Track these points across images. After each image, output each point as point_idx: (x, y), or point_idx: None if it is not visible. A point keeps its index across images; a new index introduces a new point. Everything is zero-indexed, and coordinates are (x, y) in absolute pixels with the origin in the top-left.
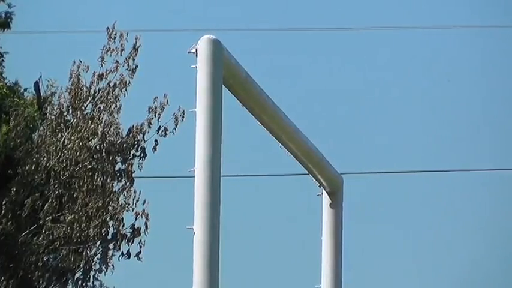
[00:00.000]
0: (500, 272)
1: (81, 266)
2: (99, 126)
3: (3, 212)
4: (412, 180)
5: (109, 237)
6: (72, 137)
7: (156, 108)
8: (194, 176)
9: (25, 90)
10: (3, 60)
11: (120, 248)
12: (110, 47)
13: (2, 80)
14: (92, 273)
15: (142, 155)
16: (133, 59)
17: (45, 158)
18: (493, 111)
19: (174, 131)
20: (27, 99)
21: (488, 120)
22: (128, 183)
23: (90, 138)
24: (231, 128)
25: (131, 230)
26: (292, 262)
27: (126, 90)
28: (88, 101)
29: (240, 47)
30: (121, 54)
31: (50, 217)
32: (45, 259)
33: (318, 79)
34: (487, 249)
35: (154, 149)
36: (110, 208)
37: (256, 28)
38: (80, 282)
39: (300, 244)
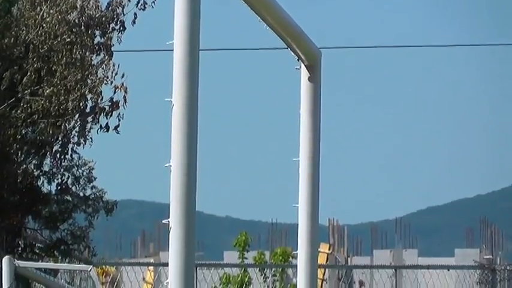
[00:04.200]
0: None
1: (60, 139)
2: None
3: None
4: (389, 55)
5: (87, 110)
6: (51, 11)
7: None
8: (173, 49)
9: None
10: None
11: (98, 121)
12: None
13: None
14: (70, 146)
15: (121, 28)
16: None
17: (24, 32)
18: None
19: (153, 4)
20: None
21: None
22: (106, 57)
23: (69, 11)
24: (210, 2)
25: (110, 104)
26: (271, 135)
27: None
28: None
29: None
30: None
31: (29, 90)
32: (23, 132)
33: None
34: (464, 120)
35: (134, 22)
36: (89, 81)
37: None
38: (58, 155)
39: (278, 118)
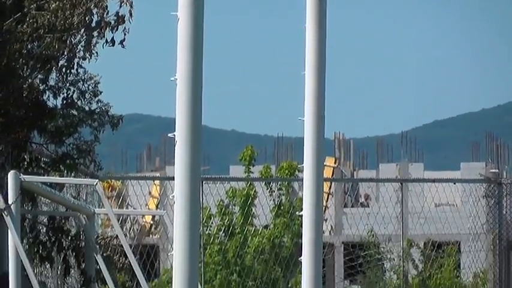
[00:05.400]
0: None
1: (65, 53)
2: None
3: None
4: None
5: (93, 24)
6: None
7: None
8: None
9: None
10: None
11: (104, 36)
12: None
13: None
14: (76, 60)
15: None
16: None
17: None
18: None
19: None
20: None
21: None
22: None
23: None
24: None
25: (115, 18)
26: (277, 49)
27: None
28: None
29: None
30: None
31: (35, 5)
32: (29, 47)
33: None
34: (471, 34)
35: None
36: None
37: None
38: (63, 70)
39: (285, 31)
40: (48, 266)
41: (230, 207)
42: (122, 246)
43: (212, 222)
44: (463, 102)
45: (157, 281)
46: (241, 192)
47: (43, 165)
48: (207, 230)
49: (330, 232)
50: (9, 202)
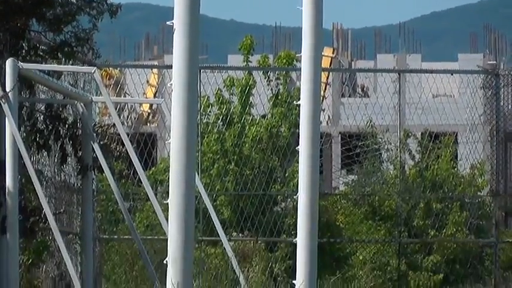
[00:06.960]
0: None
1: None
2: None
3: None
4: None
5: None
6: None
7: None
8: None
9: None
10: None
11: None
12: None
13: None
14: None
15: None
16: None
17: None
18: None
19: None
20: None
21: None
22: None
23: None
24: None
25: None
26: None
27: None
28: None
29: None
30: None
31: None
32: None
33: None
34: None
35: None
36: None
37: None
38: None
39: None
40: (45, 154)
41: (228, 96)
42: (119, 134)
43: (210, 111)
44: None
45: (155, 169)
46: (240, 82)
47: (41, 53)
48: (204, 118)
49: (327, 122)
50: (7, 90)
